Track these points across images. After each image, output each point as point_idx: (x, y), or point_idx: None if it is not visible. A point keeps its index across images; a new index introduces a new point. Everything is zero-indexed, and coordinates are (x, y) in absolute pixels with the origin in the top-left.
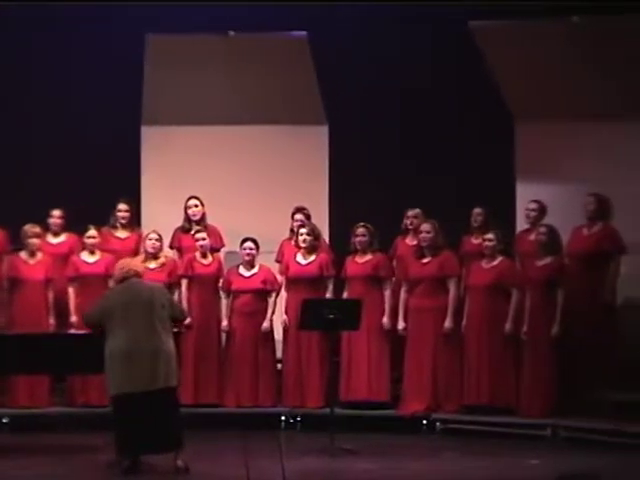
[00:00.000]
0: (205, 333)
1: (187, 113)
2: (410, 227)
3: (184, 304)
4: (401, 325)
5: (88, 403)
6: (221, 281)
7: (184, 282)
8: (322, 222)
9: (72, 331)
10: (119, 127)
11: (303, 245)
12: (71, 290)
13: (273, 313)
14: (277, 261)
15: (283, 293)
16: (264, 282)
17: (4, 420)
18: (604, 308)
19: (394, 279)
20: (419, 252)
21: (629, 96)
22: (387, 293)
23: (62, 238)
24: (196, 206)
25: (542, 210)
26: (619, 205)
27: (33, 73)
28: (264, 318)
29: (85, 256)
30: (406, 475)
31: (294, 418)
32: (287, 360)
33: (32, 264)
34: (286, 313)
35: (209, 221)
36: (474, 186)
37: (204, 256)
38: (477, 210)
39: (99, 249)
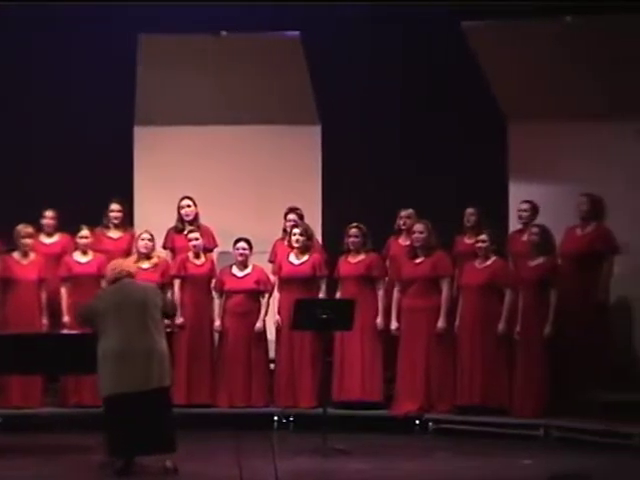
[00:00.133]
0: (198, 333)
1: (180, 113)
2: (403, 227)
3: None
4: (394, 325)
5: (81, 403)
6: (214, 281)
7: (177, 282)
8: (315, 222)
9: (65, 331)
10: (112, 127)
11: (296, 245)
12: (63, 290)
13: (266, 313)
14: (270, 261)
15: (276, 293)
16: (257, 282)
17: None
18: (597, 308)
19: (387, 279)
20: (412, 252)
21: (621, 96)
22: (380, 293)
23: (55, 238)
24: (189, 206)
25: (534, 210)
26: (612, 205)
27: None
28: (257, 318)
29: (77, 256)
30: (399, 475)
31: (287, 418)
32: (279, 360)
33: (25, 264)
34: (279, 313)
35: (202, 221)
36: (467, 186)
37: (197, 256)
38: (470, 210)
39: (91, 249)
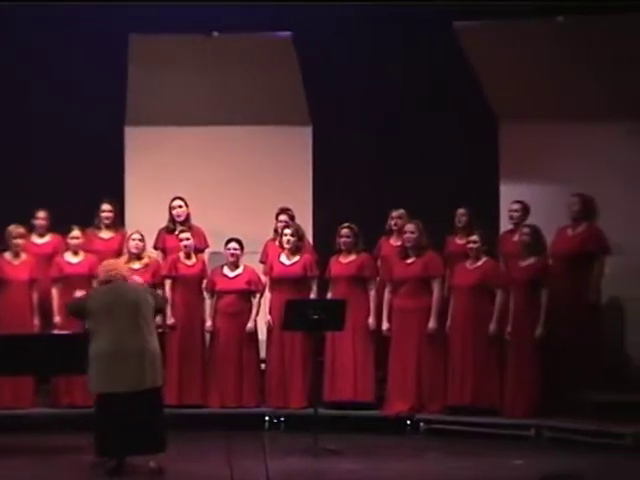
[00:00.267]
0: (189, 334)
1: (171, 113)
2: (394, 227)
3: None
4: (385, 325)
5: (72, 404)
6: (205, 281)
7: (168, 282)
8: (306, 222)
9: (56, 332)
10: (103, 127)
11: (287, 246)
12: (54, 290)
13: (257, 314)
14: (261, 262)
15: (267, 294)
16: (248, 282)
17: None
18: (588, 309)
19: (378, 279)
20: (403, 252)
21: (613, 96)
22: (372, 293)
23: (47, 239)
24: (180, 207)
25: (525, 210)
26: (604, 205)
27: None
28: (248, 318)
29: (69, 257)
30: (390, 475)
31: (278, 418)
32: (270, 360)
33: (16, 264)
34: (270, 313)
35: (193, 222)
36: (458, 186)
37: (188, 257)
38: (461, 210)
39: (82, 249)
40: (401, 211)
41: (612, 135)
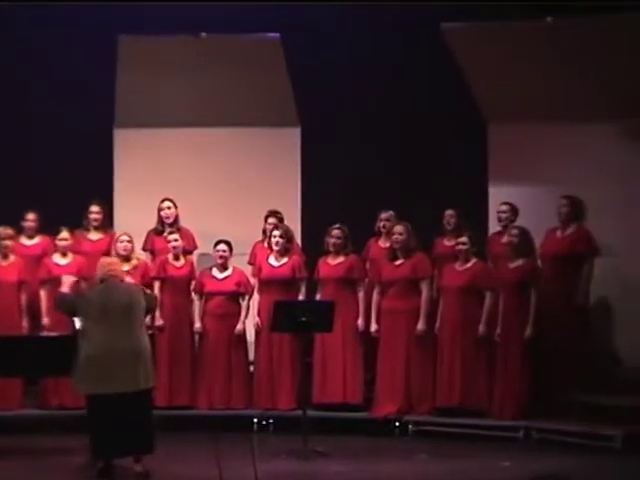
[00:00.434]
0: (178, 335)
1: (160, 115)
2: (383, 229)
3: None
4: (373, 327)
5: (62, 405)
6: (193, 283)
7: (156, 284)
8: (294, 224)
9: (45, 333)
10: (92, 129)
11: (276, 247)
12: (43, 292)
13: (246, 316)
14: (250, 263)
15: (256, 295)
16: (237, 284)
17: None
18: (577, 310)
19: (367, 281)
20: (392, 254)
21: (603, 97)
22: (361, 295)
23: (36, 240)
24: (169, 208)
25: (514, 212)
26: (593, 207)
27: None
28: (237, 320)
29: (57, 258)
30: (378, 477)
31: (266, 420)
32: (259, 362)
33: (5, 266)
34: (258, 315)
35: (182, 223)
36: (447, 188)
37: (176, 258)
38: (450, 212)
39: (71, 251)
40: (390, 213)
41: (602, 136)
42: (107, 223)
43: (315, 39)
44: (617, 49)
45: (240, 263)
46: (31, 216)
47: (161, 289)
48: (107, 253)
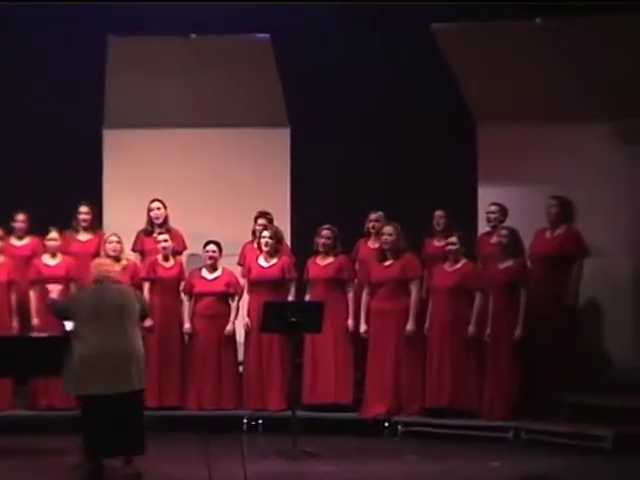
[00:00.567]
0: (167, 336)
1: (149, 116)
2: (372, 230)
3: None
4: (363, 328)
5: (51, 406)
6: (183, 284)
7: (146, 285)
8: (284, 224)
9: (34, 334)
10: (81, 130)
11: (265, 248)
12: (32, 293)
13: (236, 316)
14: (239, 264)
15: (245, 296)
16: (227, 285)
17: None
18: (566, 311)
19: (356, 281)
20: (381, 255)
21: (592, 98)
22: (350, 295)
23: (25, 241)
24: (159, 209)
25: (503, 212)
26: (583, 208)
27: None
28: (226, 321)
29: (46, 259)
30: (368, 478)
31: (256, 421)
32: (248, 362)
33: None
34: (248, 316)
35: (172, 224)
36: (436, 188)
37: (166, 259)
38: (439, 213)
39: (60, 252)
40: (379, 213)
41: (592, 137)
42: (96, 224)
43: (305, 40)
44: (605, 50)
45: (230, 264)
46: (21, 217)
47: (151, 290)
48: (96, 254)
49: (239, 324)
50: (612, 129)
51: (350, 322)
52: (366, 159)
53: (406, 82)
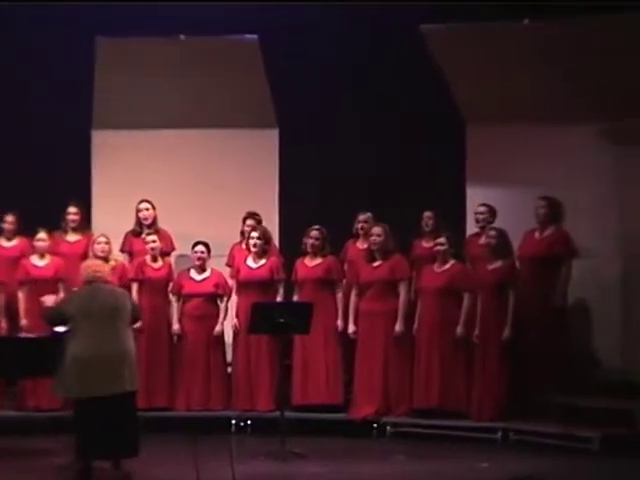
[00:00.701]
0: (156, 337)
1: (138, 117)
2: (361, 231)
3: None
4: (351, 329)
5: (38, 407)
6: (171, 284)
7: (134, 286)
8: (272, 225)
9: (22, 334)
10: (70, 131)
11: (254, 249)
12: (21, 293)
13: (225, 317)
14: (228, 265)
15: (234, 297)
16: (216, 286)
17: None
18: (555, 312)
19: (345, 282)
20: (370, 256)
21: (582, 99)
22: (339, 296)
23: (14, 242)
24: (147, 209)
25: (492, 213)
26: (572, 209)
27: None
28: (215, 322)
29: (35, 260)
30: (356, 479)
31: (244, 422)
32: (237, 363)
33: None
34: (237, 317)
35: (160, 225)
36: (425, 189)
37: (154, 260)
38: (427, 213)
39: (49, 252)
40: (368, 214)
41: (580, 137)
42: (85, 224)
43: (293, 41)
44: (595, 51)
45: (218, 265)
46: (10, 218)
47: (139, 291)
48: (85, 254)
49: (228, 325)
50: (601, 130)
51: (339, 323)
52: (355, 160)
53: (395, 83)
